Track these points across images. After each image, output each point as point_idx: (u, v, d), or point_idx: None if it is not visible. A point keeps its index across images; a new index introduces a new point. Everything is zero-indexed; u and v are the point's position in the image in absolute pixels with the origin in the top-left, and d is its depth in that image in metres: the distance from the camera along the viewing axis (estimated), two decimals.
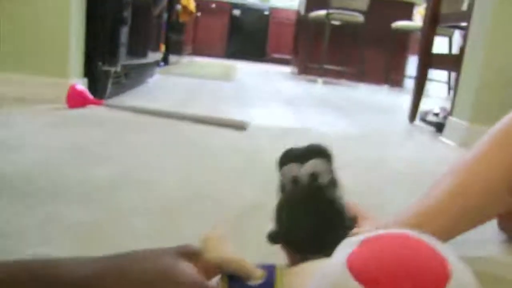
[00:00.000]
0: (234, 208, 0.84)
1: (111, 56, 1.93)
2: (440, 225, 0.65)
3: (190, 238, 0.47)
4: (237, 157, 1.22)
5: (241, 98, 2.71)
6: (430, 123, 2.20)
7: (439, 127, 2.06)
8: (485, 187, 0.67)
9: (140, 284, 0.34)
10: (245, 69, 5.81)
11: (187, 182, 0.98)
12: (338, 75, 4.97)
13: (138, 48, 2.32)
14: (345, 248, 0.34)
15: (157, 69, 3.87)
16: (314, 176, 0.47)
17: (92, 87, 1.91)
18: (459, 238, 0.66)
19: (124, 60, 2.08)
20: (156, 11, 2.54)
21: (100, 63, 1.91)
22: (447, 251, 0.33)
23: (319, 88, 4.01)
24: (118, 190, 0.88)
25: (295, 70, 5.47)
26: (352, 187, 1.07)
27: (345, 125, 2.03)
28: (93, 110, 1.69)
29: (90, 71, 1.91)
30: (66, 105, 1.66)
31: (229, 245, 0.40)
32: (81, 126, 1.45)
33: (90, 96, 1.73)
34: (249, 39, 8.34)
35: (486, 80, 1.74)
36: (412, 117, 2.38)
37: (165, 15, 3.04)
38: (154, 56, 2.85)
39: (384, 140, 1.77)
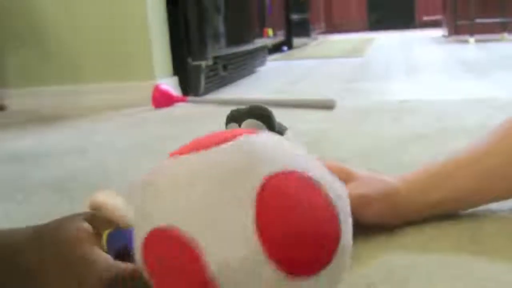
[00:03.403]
0: None
1: (200, 49, 2.07)
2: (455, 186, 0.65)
3: None
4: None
5: (358, 74, 2.67)
6: None
7: None
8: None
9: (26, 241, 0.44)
10: (384, 40, 5.66)
11: None
12: (497, 29, 4.56)
13: (234, 36, 2.44)
14: None
15: (273, 56, 3.99)
16: None
17: (183, 84, 2.07)
18: None
19: (217, 51, 2.21)
20: None
21: (189, 59, 2.06)
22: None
23: (468, 49, 3.75)
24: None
25: (446, 32, 5.18)
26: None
27: (480, 91, 1.90)
28: (176, 108, 1.82)
29: (180, 68, 2.07)
30: (152, 107, 1.83)
31: (117, 199, 0.46)
32: (154, 125, 1.58)
33: (175, 94, 1.88)
34: (393, 4, 8.09)
35: None
36: None
37: None
38: (259, 43, 2.95)
39: None
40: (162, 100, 1.83)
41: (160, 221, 0.36)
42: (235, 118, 0.54)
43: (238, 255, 0.33)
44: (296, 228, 0.35)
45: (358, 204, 0.60)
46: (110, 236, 0.45)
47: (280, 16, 4.25)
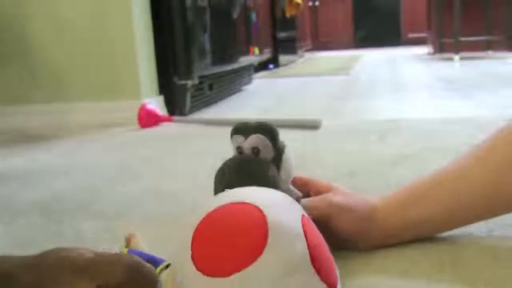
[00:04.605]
0: None
1: (186, 69, 2.10)
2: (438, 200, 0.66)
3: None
4: None
5: (344, 93, 2.71)
6: None
7: None
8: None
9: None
10: (371, 57, 5.74)
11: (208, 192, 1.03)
12: (482, 46, 4.66)
13: (220, 55, 2.47)
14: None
15: (260, 74, 4.03)
16: (255, 150, 0.58)
17: (169, 103, 2.09)
18: None
19: (203, 70, 2.23)
20: (235, 13, 2.67)
21: (175, 78, 2.08)
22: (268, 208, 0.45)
23: (454, 67, 3.82)
24: (138, 204, 0.99)
25: (431, 49, 5.27)
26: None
27: (467, 110, 1.94)
28: (162, 128, 1.84)
29: (166, 87, 2.09)
30: (138, 126, 1.84)
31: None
32: (140, 145, 1.60)
33: (161, 114, 1.90)
34: (379, 22, 8.19)
35: None
36: None
37: (252, 15, 3.17)
38: (245, 61, 2.99)
39: None
40: (148, 119, 1.85)
41: (233, 199, 0.47)
42: (242, 131, 0.59)
43: (290, 222, 0.46)
44: (318, 239, 0.48)
45: (334, 211, 0.63)
46: (129, 252, 0.49)
47: (267, 34, 4.29)
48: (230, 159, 0.60)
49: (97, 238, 0.83)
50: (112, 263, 0.40)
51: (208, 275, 0.42)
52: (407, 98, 2.36)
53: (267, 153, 0.59)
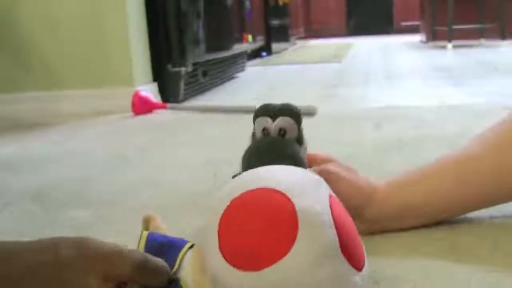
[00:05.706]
0: None
1: (180, 56, 2.07)
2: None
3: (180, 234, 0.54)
4: None
5: (337, 80, 2.70)
6: None
7: None
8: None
9: None
10: (363, 45, 5.72)
11: (203, 181, 1.01)
12: (475, 35, 4.65)
13: (213, 42, 2.44)
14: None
15: (253, 61, 4.00)
16: (282, 131, 0.60)
17: (163, 90, 2.07)
18: None
19: (196, 57, 2.21)
20: (228, 0, 2.64)
21: (169, 65, 2.06)
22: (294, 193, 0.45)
23: (446, 55, 3.81)
24: (132, 193, 0.97)
25: (424, 37, 5.26)
26: None
27: (457, 97, 1.93)
28: (156, 115, 1.83)
29: (159, 74, 2.07)
30: (132, 113, 1.82)
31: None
32: (134, 132, 1.59)
33: (155, 101, 1.88)
34: (372, 10, 8.18)
35: None
36: None
37: (246, 3, 3.14)
38: (239, 49, 2.96)
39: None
40: (141, 106, 1.83)
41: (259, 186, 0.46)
42: (268, 113, 0.60)
43: (319, 207, 0.45)
44: (346, 220, 0.47)
45: (330, 177, 0.59)
46: (150, 235, 0.48)
47: (260, 21, 4.27)
48: (260, 140, 0.61)
49: (90, 227, 0.82)
50: (121, 258, 0.42)
51: (239, 268, 0.42)
52: (401, 86, 2.35)
53: (292, 133, 0.60)
